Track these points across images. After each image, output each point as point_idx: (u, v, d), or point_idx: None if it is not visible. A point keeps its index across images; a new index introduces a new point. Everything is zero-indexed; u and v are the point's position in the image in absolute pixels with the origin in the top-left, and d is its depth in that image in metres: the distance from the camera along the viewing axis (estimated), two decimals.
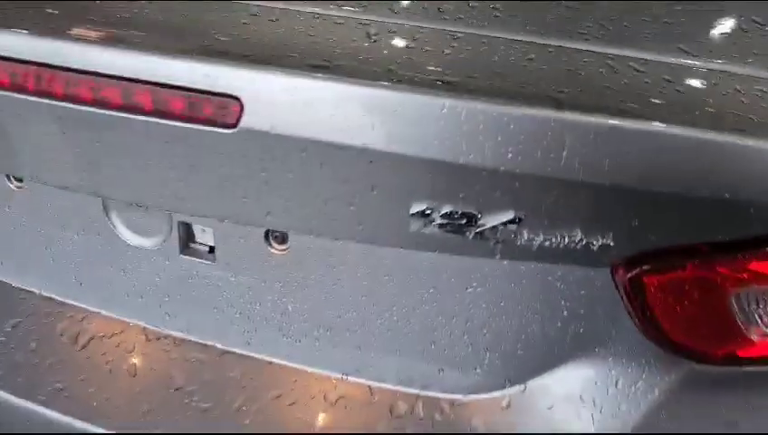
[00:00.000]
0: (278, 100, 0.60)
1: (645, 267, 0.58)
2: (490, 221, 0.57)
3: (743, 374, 0.62)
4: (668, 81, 0.61)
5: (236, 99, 0.60)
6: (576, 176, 0.54)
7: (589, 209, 0.56)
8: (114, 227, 0.77)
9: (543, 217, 0.56)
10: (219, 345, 0.78)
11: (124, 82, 0.63)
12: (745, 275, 0.56)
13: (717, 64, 0.64)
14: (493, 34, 0.68)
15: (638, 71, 0.60)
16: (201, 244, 0.75)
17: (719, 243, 0.56)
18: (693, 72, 0.64)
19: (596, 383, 0.64)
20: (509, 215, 0.56)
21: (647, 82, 0.61)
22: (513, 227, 0.56)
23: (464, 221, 0.57)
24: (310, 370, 0.74)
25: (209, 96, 0.61)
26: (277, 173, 0.61)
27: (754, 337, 0.59)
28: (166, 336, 0.80)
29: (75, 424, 0.74)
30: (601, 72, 0.62)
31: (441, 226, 0.58)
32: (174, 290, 0.77)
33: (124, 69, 0.63)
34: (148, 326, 0.80)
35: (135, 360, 0.78)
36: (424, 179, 0.58)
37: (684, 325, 0.60)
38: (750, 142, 0.54)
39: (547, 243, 0.56)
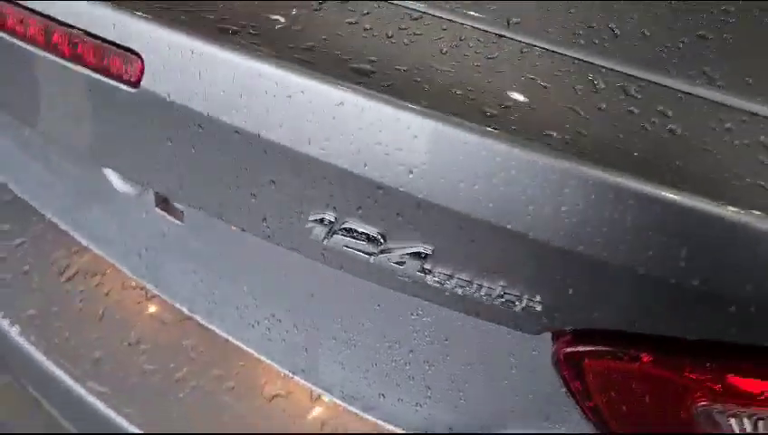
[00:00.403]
0: (179, 64, 0.53)
1: (585, 348, 0.45)
2: (395, 249, 0.47)
3: None
4: (663, 114, 0.45)
5: (138, 56, 0.55)
6: (493, 217, 0.43)
7: (512, 260, 0.44)
8: (110, 177, 0.76)
9: (456, 257, 0.45)
10: (185, 310, 0.75)
11: (46, 21, 0.60)
12: (719, 388, 0.42)
13: (746, 102, 0.46)
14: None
15: (627, 94, 0.45)
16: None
17: (691, 342, 0.41)
18: (704, 107, 0.47)
19: None
20: (416, 246, 0.46)
21: (631, 112, 0.45)
22: (419, 261, 0.46)
23: (365, 242, 0.48)
24: (259, 357, 0.69)
25: (116, 49, 0.56)
26: (180, 145, 0.55)
27: None
28: (141, 288, 0.79)
29: (34, 355, 0.75)
30: (574, 90, 0.47)
31: (343, 242, 0.49)
32: (151, 243, 0.75)
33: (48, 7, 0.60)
34: (127, 274, 0.79)
35: (106, 305, 0.77)
36: (324, 184, 0.49)
37: (634, 429, 0.47)
38: (750, 220, 0.38)
39: (460, 290, 0.45)
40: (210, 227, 0.66)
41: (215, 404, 0.66)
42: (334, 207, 0.48)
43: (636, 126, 0.43)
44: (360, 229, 0.47)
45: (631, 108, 0.44)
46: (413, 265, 0.46)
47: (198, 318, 0.73)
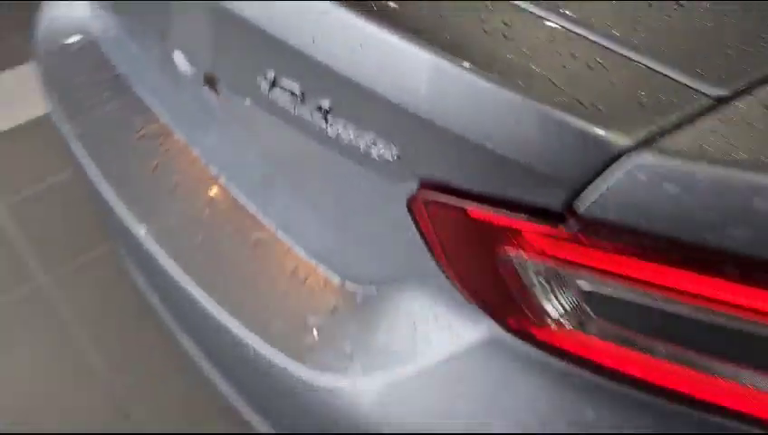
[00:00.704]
0: None
1: (428, 198, 0.57)
2: (309, 102, 0.64)
3: (544, 359, 0.60)
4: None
5: None
6: (369, 83, 0.57)
7: (380, 116, 0.58)
8: (173, 55, 0.95)
9: (346, 113, 0.61)
10: (214, 171, 0.95)
11: None
12: (539, 248, 0.54)
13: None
14: None
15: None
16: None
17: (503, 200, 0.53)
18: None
19: (421, 309, 0.67)
20: (321, 102, 0.63)
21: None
22: (322, 114, 0.62)
23: (290, 95, 0.65)
24: (252, 212, 0.87)
25: None
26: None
27: (551, 323, 0.58)
28: (192, 154, 0.98)
29: (107, 195, 0.94)
30: None
31: (279, 94, 0.67)
32: (202, 117, 0.95)
33: None
34: (187, 143, 0.99)
35: (162, 161, 0.97)
36: (269, 48, 0.66)
37: (473, 277, 0.60)
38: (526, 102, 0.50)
39: (347, 140, 0.61)
40: (236, 103, 0.86)
41: (214, 251, 0.86)
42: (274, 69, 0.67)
43: None
44: (288, 87, 0.65)
45: None
46: (318, 116, 0.63)
47: (222, 182, 0.93)
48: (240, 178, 0.89)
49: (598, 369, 0.58)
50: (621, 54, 0.54)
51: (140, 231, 0.89)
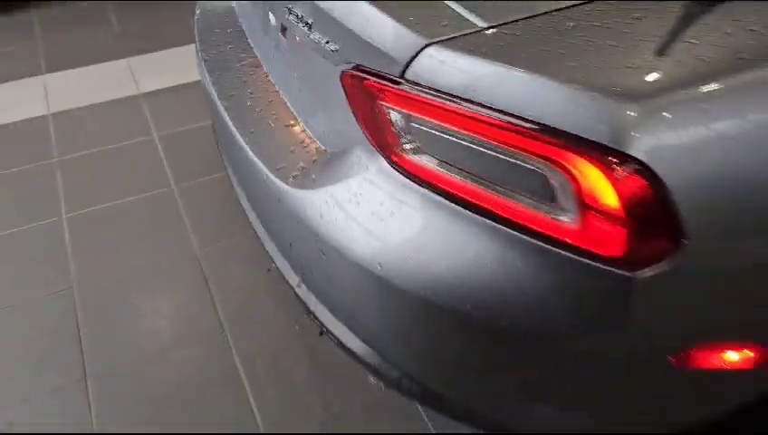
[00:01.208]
0: None
1: (348, 72, 1.05)
2: (310, 27, 1.16)
3: (406, 181, 1.03)
4: None
5: None
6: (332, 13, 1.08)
7: (332, 29, 1.09)
8: (269, 15, 1.51)
9: (320, 28, 1.12)
10: (274, 83, 1.49)
11: None
12: (392, 101, 0.99)
13: None
14: None
15: None
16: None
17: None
18: None
19: (356, 157, 1.13)
20: (312, 23, 1.15)
21: None
22: (307, 29, 1.16)
23: (303, 24, 1.18)
24: (289, 105, 1.42)
25: None
26: None
27: (407, 155, 1.02)
28: (266, 76, 1.54)
29: (214, 97, 1.51)
30: None
31: (303, 28, 1.19)
32: (275, 53, 1.49)
33: None
34: (265, 70, 1.54)
35: (249, 79, 1.53)
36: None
37: (370, 125, 1.05)
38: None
39: (322, 43, 1.11)
40: (291, 40, 1.38)
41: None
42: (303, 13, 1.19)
43: None
44: (300, 15, 1.19)
45: None
46: (311, 34, 1.15)
47: (278, 87, 1.47)
48: (285, 86, 1.43)
49: (436, 189, 1.02)
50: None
51: (225, 114, 1.44)
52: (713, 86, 0.85)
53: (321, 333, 1.56)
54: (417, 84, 0.95)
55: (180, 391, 1.68)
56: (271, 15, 1.45)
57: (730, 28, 0.91)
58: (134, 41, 3.30)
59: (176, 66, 3.02)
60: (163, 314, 1.91)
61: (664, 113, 0.82)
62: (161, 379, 1.72)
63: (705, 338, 0.99)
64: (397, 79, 0.97)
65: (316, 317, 1.35)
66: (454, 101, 0.92)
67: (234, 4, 1.77)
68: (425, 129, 0.99)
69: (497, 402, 1.20)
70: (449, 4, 0.99)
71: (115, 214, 2.25)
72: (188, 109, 2.72)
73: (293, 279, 1.36)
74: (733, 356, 1.02)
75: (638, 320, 0.93)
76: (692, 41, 0.89)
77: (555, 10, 0.97)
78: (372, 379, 1.75)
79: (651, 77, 0.86)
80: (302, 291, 1.34)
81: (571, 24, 0.95)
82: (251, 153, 1.30)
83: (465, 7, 0.98)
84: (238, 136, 1.34)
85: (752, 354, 1.02)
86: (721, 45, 0.89)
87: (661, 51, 0.89)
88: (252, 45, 1.63)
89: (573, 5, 0.98)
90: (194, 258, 2.06)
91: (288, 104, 1.41)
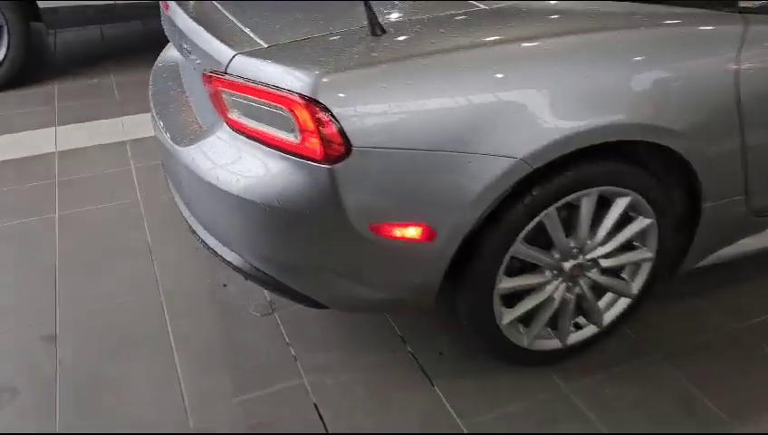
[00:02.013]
0: None
1: (205, 73, 1.93)
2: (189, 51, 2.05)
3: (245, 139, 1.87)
4: None
5: None
6: (199, 41, 1.97)
7: (198, 48, 1.99)
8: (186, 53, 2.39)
9: (193, 49, 2.05)
10: (190, 101, 2.35)
11: None
12: (223, 85, 1.79)
13: None
14: None
15: None
16: None
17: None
18: None
19: (220, 131, 2.02)
20: (187, 47, 2.03)
21: None
22: (188, 54, 2.06)
23: (186, 51, 2.07)
24: (192, 105, 2.27)
25: None
26: None
27: (234, 118, 1.83)
28: (184, 92, 2.41)
29: (154, 113, 2.38)
30: None
31: (183, 52, 2.07)
32: (189, 75, 2.36)
33: None
34: (184, 89, 2.42)
35: (176, 97, 2.40)
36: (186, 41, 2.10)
37: (220, 106, 1.85)
38: None
39: (196, 60, 2.05)
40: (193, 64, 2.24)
41: None
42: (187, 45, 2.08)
43: None
44: (186, 47, 2.08)
45: None
46: (189, 53, 2.05)
47: (190, 101, 2.33)
48: (191, 95, 2.29)
49: (249, 135, 1.83)
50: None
51: (159, 121, 2.29)
52: (379, 68, 1.67)
53: (225, 285, 2.37)
54: (232, 75, 1.78)
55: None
56: (186, 54, 2.34)
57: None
58: (129, 106, 4.25)
59: None
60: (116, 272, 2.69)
61: (341, 79, 1.64)
62: (113, 321, 2.48)
63: (388, 215, 1.75)
64: (223, 73, 1.80)
65: (201, 240, 2.12)
66: (248, 83, 1.75)
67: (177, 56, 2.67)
68: (239, 100, 1.81)
69: (299, 277, 1.94)
70: (246, 30, 1.85)
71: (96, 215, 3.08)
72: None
73: (186, 214, 2.15)
74: (411, 231, 1.78)
75: (346, 197, 1.70)
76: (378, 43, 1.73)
77: (304, 39, 1.81)
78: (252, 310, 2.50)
79: (336, 63, 1.68)
80: (191, 219, 2.13)
81: (305, 40, 1.79)
82: (168, 138, 2.13)
83: (255, 33, 1.83)
84: (163, 131, 2.18)
85: (420, 230, 1.77)
86: (401, 43, 1.72)
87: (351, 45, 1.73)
88: (182, 78, 2.51)
89: (319, 36, 1.83)
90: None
91: (192, 106, 2.26)
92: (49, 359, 2.26)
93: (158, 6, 2.52)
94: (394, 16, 1.89)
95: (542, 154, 1.72)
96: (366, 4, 1.74)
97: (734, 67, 1.88)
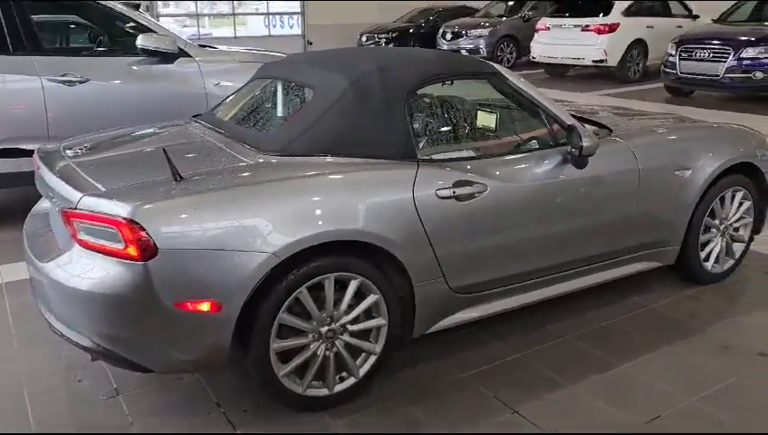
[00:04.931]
0: None
1: (63, 211, 2.88)
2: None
3: None
4: None
5: None
6: None
7: (56, 194, 2.92)
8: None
9: (54, 197, 2.96)
10: (54, 233, 3.19)
11: None
12: (78, 216, 2.78)
13: None
14: None
15: None
16: None
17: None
18: None
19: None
20: (51, 196, 2.95)
21: None
22: (52, 200, 2.96)
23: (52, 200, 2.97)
24: (56, 238, 3.11)
25: None
26: None
27: (82, 238, 2.75)
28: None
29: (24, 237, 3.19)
30: None
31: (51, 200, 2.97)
32: (54, 219, 3.22)
33: None
34: (53, 230, 3.26)
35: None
36: None
37: (71, 231, 2.79)
38: None
39: (56, 203, 2.95)
40: None
41: None
42: None
43: None
44: (51, 196, 2.98)
45: None
46: (55, 201, 2.97)
47: (53, 233, 3.17)
48: (54, 229, 3.14)
49: (94, 250, 2.70)
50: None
51: (28, 248, 3.10)
52: (177, 200, 2.64)
53: (80, 381, 3.12)
54: (81, 209, 2.70)
55: None
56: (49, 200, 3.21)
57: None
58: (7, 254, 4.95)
59: None
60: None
61: (151, 207, 2.60)
62: None
63: (187, 295, 2.63)
64: (74, 208, 2.71)
65: (57, 331, 2.88)
66: (91, 213, 2.67)
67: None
68: (85, 225, 2.70)
69: (129, 348, 2.73)
70: (90, 180, 2.80)
71: None
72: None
73: (47, 314, 2.92)
74: (204, 305, 2.66)
75: (157, 284, 2.58)
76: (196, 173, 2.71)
77: (129, 184, 2.78)
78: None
79: (148, 197, 2.65)
80: (47, 315, 2.90)
81: (129, 185, 2.76)
82: (35, 259, 2.96)
83: (96, 181, 2.79)
84: (32, 256, 3.01)
85: (210, 304, 2.66)
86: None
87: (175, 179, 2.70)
88: (50, 220, 3.36)
89: (139, 182, 2.79)
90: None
91: (55, 238, 3.11)
92: None
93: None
94: (193, 167, 2.92)
95: (286, 250, 2.71)
96: (168, 161, 2.76)
97: (412, 196, 3.02)
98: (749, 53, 10.33)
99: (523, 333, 3.73)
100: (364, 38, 18.96)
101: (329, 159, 3.04)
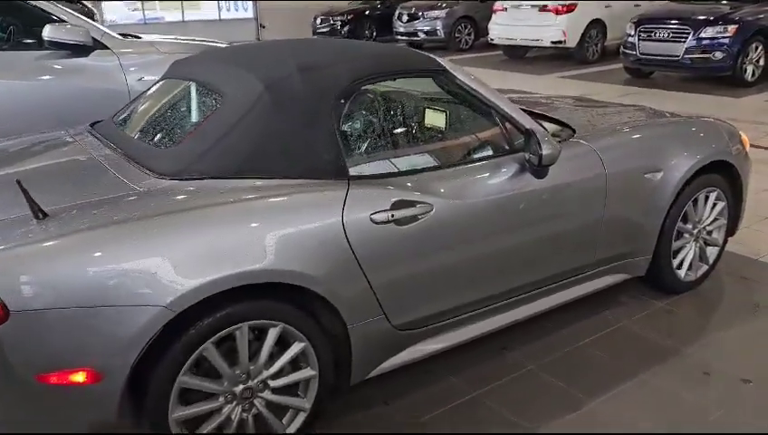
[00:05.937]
0: None
1: None
2: None
3: None
4: None
5: None
6: None
7: None
8: None
9: None
10: None
11: None
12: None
13: None
14: None
15: None
16: None
17: None
18: None
19: None
20: None
21: None
22: None
23: None
24: None
25: None
26: None
27: None
28: None
29: None
30: None
31: None
32: None
33: None
34: None
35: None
36: None
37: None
38: None
39: None
40: None
41: None
42: None
43: None
44: None
45: None
46: None
47: None
48: None
49: None
50: None
51: None
52: (35, 247, 2.08)
53: None
54: None
55: None
56: None
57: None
58: None
59: None
60: None
61: (1, 257, 2.03)
62: None
63: (53, 366, 2.08)
64: None
65: None
66: None
67: None
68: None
69: None
70: None
71: None
72: None
73: None
74: (78, 376, 2.12)
75: (10, 354, 2.02)
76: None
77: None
78: None
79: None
80: None
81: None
82: None
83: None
84: None
85: (85, 374, 2.12)
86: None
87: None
88: None
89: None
90: None
91: None
92: None
93: None
94: (66, 199, 2.34)
95: (181, 301, 2.17)
96: (25, 194, 2.18)
97: (341, 222, 2.50)
98: (708, 32, 10.04)
99: (480, 365, 3.27)
100: (318, 21, 18.27)
101: (238, 181, 2.50)
